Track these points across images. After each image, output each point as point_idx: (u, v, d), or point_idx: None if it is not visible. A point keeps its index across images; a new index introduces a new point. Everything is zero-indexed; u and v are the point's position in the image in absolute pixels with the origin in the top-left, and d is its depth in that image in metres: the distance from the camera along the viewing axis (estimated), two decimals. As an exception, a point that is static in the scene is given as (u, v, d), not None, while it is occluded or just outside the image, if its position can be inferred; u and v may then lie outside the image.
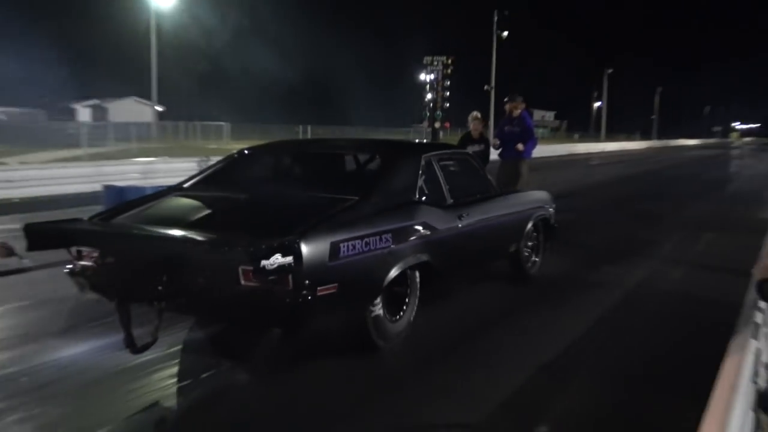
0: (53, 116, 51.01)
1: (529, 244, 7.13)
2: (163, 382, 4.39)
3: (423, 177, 5.41)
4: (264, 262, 3.64)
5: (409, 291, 5.09)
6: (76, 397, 4.13)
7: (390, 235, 4.62)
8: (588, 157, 44.51)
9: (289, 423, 3.88)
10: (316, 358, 4.78)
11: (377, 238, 4.49)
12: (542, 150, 43.94)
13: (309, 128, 43.91)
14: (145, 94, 49.48)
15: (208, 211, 4.90)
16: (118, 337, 4.26)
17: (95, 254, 4.51)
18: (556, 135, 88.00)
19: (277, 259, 3.68)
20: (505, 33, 50.00)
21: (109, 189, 10.21)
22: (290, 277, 3.85)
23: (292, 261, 3.76)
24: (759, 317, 3.08)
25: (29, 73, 51.72)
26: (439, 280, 5.43)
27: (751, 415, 2.63)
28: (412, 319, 5.12)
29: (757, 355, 2.85)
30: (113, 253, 4.50)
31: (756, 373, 2.83)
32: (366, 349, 4.76)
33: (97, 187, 11.76)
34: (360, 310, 4.57)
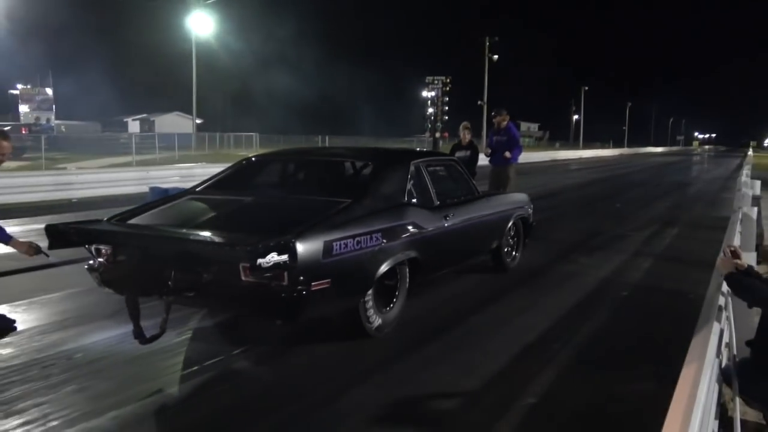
0: (107, 128, 51.22)
1: (510, 240, 7.02)
2: (193, 360, 4.34)
3: (411, 181, 5.28)
4: (260, 260, 3.56)
5: (398, 284, 4.95)
6: (122, 371, 4.09)
7: (380, 234, 4.50)
8: (567, 162, 44.35)
9: (309, 391, 3.84)
10: (324, 339, 4.69)
11: (368, 237, 4.37)
12: (529, 157, 44.00)
13: (327, 138, 43.90)
14: (186, 109, 49.58)
15: (215, 213, 4.72)
16: (156, 320, 4.18)
17: (111, 252, 4.40)
18: (539, 144, 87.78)
19: (273, 258, 3.60)
20: (495, 56, 50.30)
21: (154, 190, 10.21)
22: (286, 273, 3.76)
23: (287, 259, 3.67)
24: (722, 300, 3.01)
25: (87, 92, 51.90)
26: (427, 273, 5.32)
27: (715, 386, 2.58)
28: (401, 309, 4.97)
29: (720, 335, 2.79)
30: (127, 251, 4.35)
31: (719, 351, 2.77)
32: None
33: (144, 188, 11.78)
34: (353, 302, 4.44)
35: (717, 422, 2.66)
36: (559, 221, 11.90)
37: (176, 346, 4.54)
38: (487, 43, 50.10)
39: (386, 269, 4.58)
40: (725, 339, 3.10)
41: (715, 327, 2.64)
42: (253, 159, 6.11)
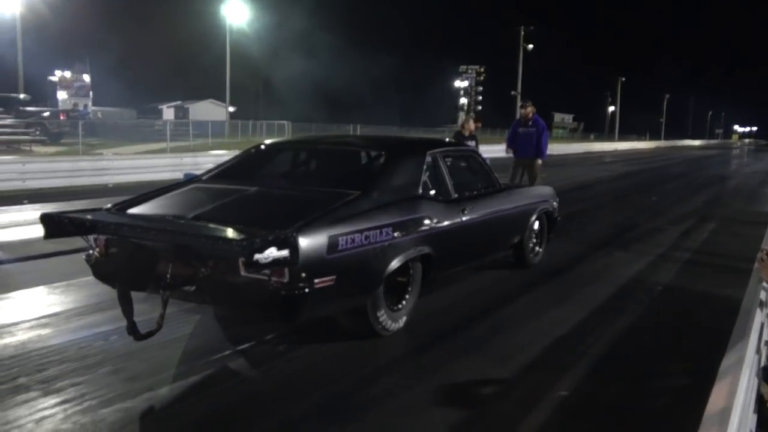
0: (142, 115, 51.93)
1: (533, 236, 6.81)
2: (227, 344, 4.40)
3: (427, 173, 5.08)
4: (257, 256, 3.33)
5: (411, 281, 4.76)
6: (155, 354, 4.16)
7: (390, 228, 4.29)
8: (602, 155, 43.81)
9: (339, 378, 3.88)
10: (353, 329, 4.58)
11: (377, 231, 4.17)
12: (563, 148, 43.62)
13: (358, 127, 43.93)
14: (219, 97, 50.08)
15: (217, 204, 4.42)
16: (184, 305, 4.13)
17: (105, 243, 4.25)
18: (574, 135, 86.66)
19: (272, 253, 3.37)
20: (530, 45, 49.83)
21: (188, 176, 10.32)
22: (286, 269, 3.61)
23: (288, 254, 3.45)
24: (763, 295, 2.95)
25: (123, 78, 52.73)
26: (442, 270, 5.14)
27: (755, 381, 2.54)
28: (413, 307, 4.78)
29: (760, 332, 2.74)
30: (123, 243, 4.11)
31: (759, 348, 2.72)
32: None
33: (178, 175, 11.91)
34: (360, 300, 4.27)
35: (755, 417, 2.62)
36: (593, 214, 11.75)
37: (209, 330, 4.62)
38: (522, 33, 49.64)
39: (397, 266, 4.38)
40: (765, 336, 3.04)
41: (756, 323, 2.59)
42: (262, 147, 5.83)
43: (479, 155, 6.34)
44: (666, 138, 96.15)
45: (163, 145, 25.08)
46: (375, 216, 4.25)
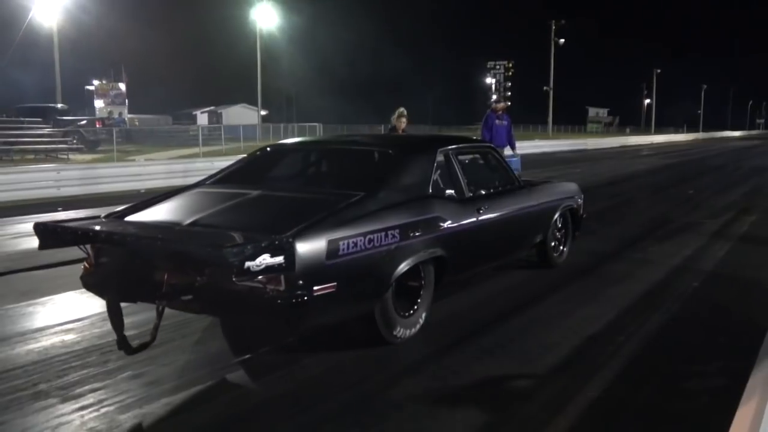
0: (177, 121, 52.75)
1: (557, 234, 6.55)
2: (246, 348, 4.34)
3: (438, 171, 4.88)
4: (249, 264, 3.18)
5: (423, 285, 4.52)
6: (176, 358, 4.13)
7: (397, 230, 4.08)
8: (639, 148, 43.11)
9: (361, 380, 3.79)
10: (374, 331, 4.39)
11: (382, 234, 3.96)
12: (598, 143, 43.02)
13: (389, 126, 43.95)
14: (252, 102, 50.67)
15: (216, 208, 4.20)
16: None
17: (98, 252, 4.07)
18: (609, 130, 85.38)
19: (265, 260, 3.23)
20: (562, 40, 49.31)
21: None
22: (282, 277, 3.44)
23: (283, 261, 3.30)
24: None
25: (158, 86, 53.64)
26: (458, 273, 4.92)
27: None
28: (426, 312, 4.55)
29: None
30: (117, 252, 3.92)
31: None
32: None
33: (207, 178, 12.00)
34: (366, 307, 4.06)
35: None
36: (629, 208, 11.54)
37: (229, 335, 4.57)
38: (554, 27, 49.12)
39: (406, 269, 4.16)
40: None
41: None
42: (268, 149, 5.64)
43: (496, 151, 6.08)
44: (704, 130, 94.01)
45: (196, 149, 25.39)
46: (380, 218, 4.05)
